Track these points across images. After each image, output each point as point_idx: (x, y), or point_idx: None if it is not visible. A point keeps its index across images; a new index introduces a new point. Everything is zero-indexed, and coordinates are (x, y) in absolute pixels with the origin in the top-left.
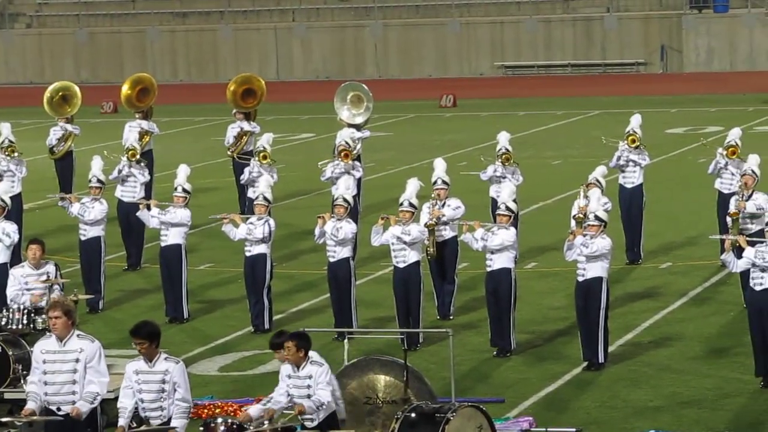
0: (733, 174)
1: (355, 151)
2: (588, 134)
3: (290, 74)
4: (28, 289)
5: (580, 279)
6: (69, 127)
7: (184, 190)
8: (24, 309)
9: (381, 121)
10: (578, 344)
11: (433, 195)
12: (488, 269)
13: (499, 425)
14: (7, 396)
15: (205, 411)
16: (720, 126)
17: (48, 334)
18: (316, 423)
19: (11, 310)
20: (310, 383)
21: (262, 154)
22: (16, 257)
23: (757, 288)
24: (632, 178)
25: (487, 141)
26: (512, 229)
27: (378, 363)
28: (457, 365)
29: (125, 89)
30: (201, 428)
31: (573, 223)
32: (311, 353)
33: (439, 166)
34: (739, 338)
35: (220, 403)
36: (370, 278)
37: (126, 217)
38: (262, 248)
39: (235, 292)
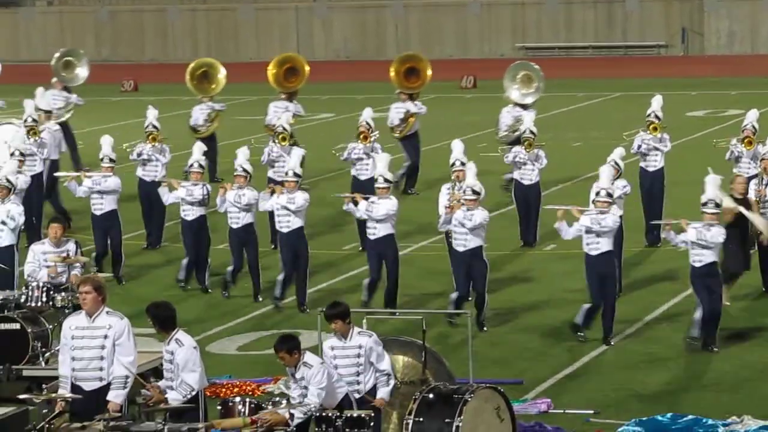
0: (750, 161)
1: (522, 132)
2: (609, 116)
3: (311, 54)
4: (47, 267)
5: (461, 249)
6: (216, 106)
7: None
8: (43, 286)
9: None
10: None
11: (452, 177)
12: (372, 237)
13: (516, 407)
14: (25, 373)
15: (224, 390)
16: (740, 109)
17: (77, 311)
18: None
19: (30, 287)
20: (306, 384)
21: (281, 135)
22: (36, 234)
23: (593, 252)
24: (654, 161)
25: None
26: (393, 199)
27: (396, 343)
28: (475, 346)
29: (271, 68)
30: (219, 407)
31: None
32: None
33: (457, 148)
34: (758, 321)
35: (238, 383)
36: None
37: (147, 197)
38: (201, 211)
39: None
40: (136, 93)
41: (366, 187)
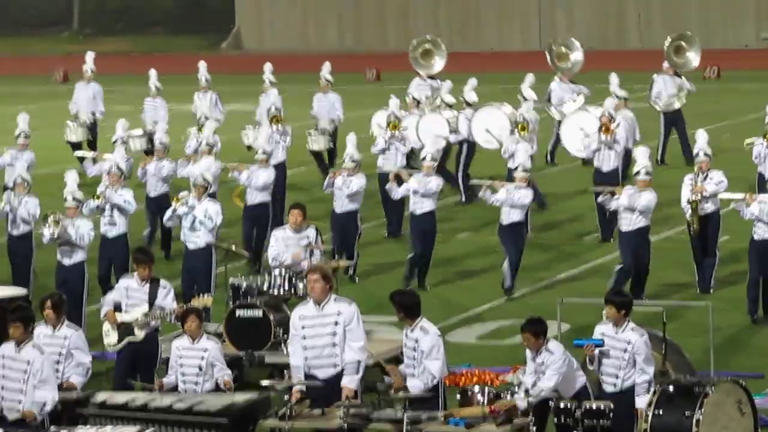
0: None
1: None
2: None
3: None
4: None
5: (339, 211)
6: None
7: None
8: (285, 274)
9: (645, 92)
10: None
11: (695, 168)
12: (249, 203)
13: (758, 400)
14: (267, 360)
15: (463, 379)
16: None
17: (305, 300)
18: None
19: (273, 275)
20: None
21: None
22: (276, 221)
23: (626, 229)
24: None
25: (751, 113)
26: (271, 168)
27: None
28: (716, 339)
29: None
30: (458, 396)
31: None
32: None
33: (701, 138)
34: None
35: (477, 371)
36: None
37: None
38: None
39: (494, 261)
40: (378, 82)
41: (607, 179)
